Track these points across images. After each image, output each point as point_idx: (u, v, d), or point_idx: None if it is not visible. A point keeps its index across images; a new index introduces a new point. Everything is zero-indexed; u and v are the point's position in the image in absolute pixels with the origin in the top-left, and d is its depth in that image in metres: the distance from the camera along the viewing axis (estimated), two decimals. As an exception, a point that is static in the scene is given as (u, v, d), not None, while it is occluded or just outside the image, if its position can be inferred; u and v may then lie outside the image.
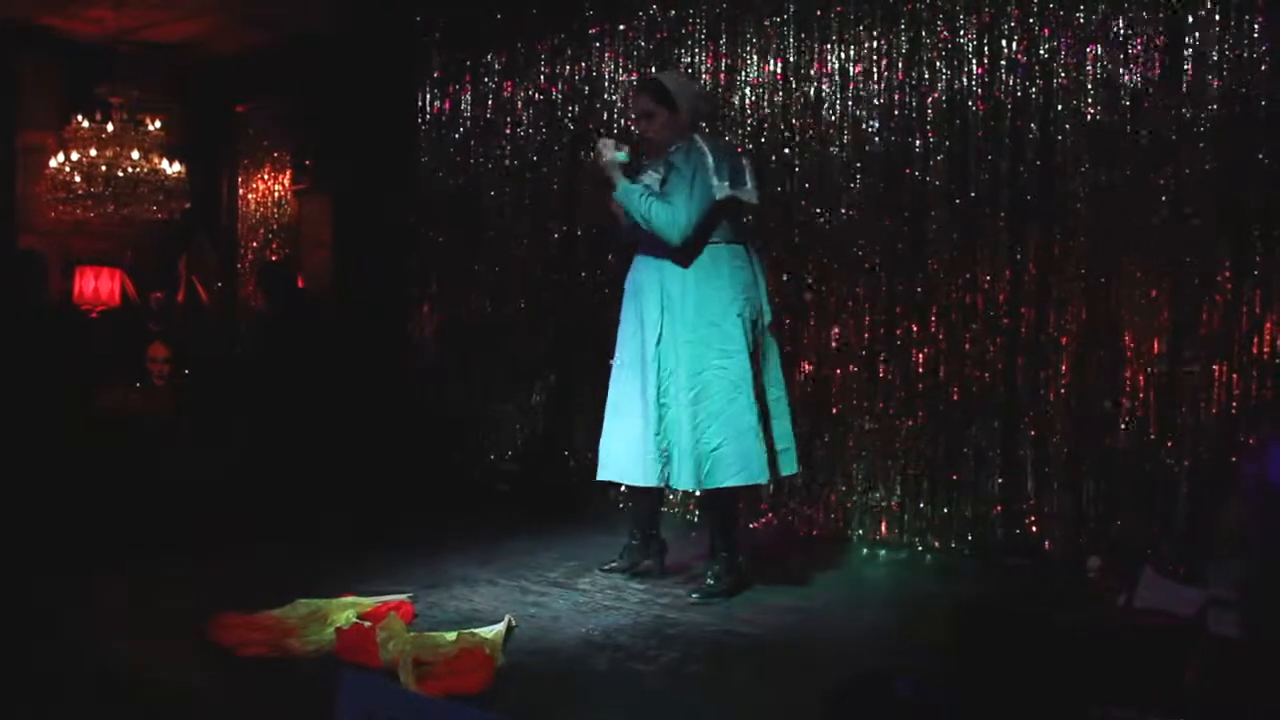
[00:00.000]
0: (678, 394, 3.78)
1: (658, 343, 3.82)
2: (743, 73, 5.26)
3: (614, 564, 4.25)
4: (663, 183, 3.82)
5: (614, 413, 4.02)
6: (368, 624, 3.31)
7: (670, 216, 3.74)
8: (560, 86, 5.95)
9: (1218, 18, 4.12)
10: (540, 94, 6.05)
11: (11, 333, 5.64)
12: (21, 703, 2.89)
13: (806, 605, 3.92)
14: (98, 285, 7.54)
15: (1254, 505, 3.28)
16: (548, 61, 5.97)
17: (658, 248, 3.84)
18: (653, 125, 3.89)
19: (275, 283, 6.75)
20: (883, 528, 4.88)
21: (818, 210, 5.04)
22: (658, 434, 3.82)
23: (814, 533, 5.02)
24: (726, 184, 3.76)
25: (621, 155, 3.91)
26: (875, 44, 4.88)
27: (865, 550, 4.81)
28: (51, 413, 5.29)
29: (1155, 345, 4.29)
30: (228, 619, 3.40)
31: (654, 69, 5.49)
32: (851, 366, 4.96)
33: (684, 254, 3.80)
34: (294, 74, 7.52)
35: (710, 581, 3.92)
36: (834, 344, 5.00)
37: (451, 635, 3.29)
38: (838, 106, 4.99)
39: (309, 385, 6.00)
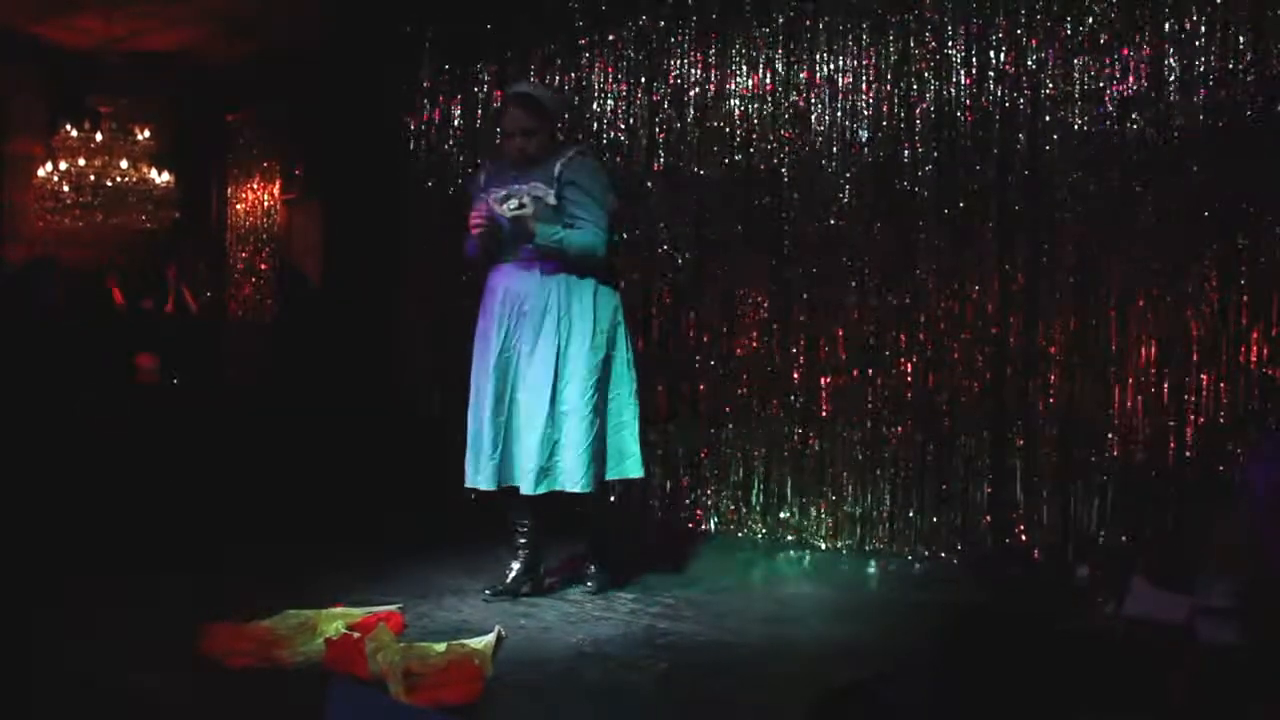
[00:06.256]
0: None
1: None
2: (732, 83, 5.27)
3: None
4: (559, 197, 3.84)
5: None
6: (357, 635, 3.29)
7: (593, 239, 3.85)
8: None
9: (1204, 29, 4.15)
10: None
11: (24, 338, 5.63)
12: (4, 708, 2.88)
13: (796, 614, 3.92)
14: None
15: (1267, 510, 3.22)
16: (538, 71, 5.97)
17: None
18: (533, 143, 3.89)
19: (287, 285, 6.74)
20: (871, 537, 4.88)
21: (806, 220, 5.05)
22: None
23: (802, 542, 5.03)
24: (613, 195, 3.99)
25: (512, 207, 3.85)
26: (864, 55, 4.90)
27: (854, 559, 4.81)
28: (55, 416, 5.28)
29: (1143, 354, 4.30)
30: (216, 629, 3.38)
31: (644, 79, 5.51)
32: (840, 376, 4.97)
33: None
34: (283, 83, 7.52)
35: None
36: (822, 353, 5.01)
37: (441, 646, 3.28)
38: (826, 117, 5.00)
39: (305, 390, 5.99)
